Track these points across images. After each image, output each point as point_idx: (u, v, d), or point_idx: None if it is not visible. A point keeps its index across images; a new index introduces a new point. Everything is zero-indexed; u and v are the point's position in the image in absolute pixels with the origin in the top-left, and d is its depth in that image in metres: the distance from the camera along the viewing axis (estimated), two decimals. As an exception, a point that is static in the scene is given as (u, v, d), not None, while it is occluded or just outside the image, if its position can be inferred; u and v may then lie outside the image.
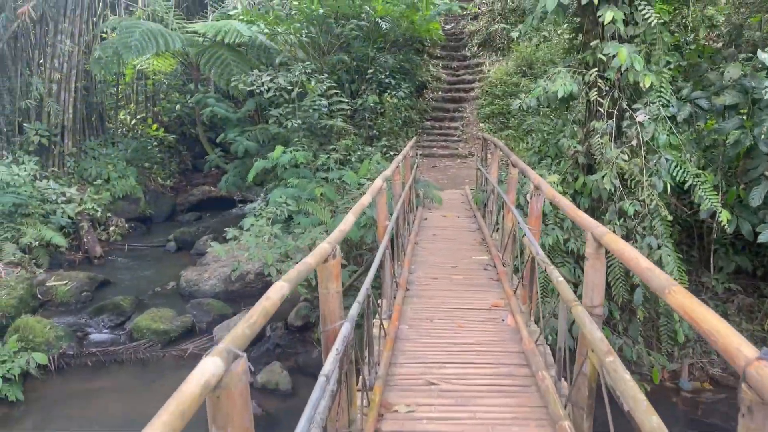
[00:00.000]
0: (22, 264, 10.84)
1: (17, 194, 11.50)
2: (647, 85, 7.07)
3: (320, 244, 2.81)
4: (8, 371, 7.56)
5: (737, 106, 7.47)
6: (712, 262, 8.38)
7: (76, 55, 14.05)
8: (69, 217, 12.35)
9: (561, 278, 3.46)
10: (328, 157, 10.41)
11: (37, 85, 13.29)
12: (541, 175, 8.17)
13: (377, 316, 4.68)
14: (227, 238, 8.81)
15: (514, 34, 15.38)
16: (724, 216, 6.88)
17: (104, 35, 15.65)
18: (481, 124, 14.74)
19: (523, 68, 14.99)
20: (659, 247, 7.24)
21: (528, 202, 8.17)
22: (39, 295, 10.22)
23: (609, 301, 7.99)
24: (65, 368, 8.27)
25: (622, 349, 7.76)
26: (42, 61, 14.02)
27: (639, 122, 7.44)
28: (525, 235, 4.61)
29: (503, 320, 4.75)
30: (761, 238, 7.45)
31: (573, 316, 2.97)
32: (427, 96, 16.41)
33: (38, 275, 10.68)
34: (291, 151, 10.17)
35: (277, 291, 2.06)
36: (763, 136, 6.62)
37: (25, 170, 12.42)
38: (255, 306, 1.89)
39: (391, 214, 5.41)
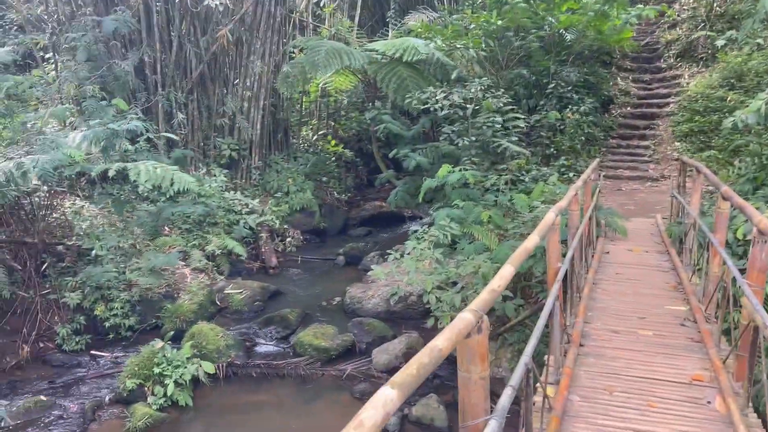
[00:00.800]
0: (206, 270, 11.34)
1: (206, 204, 12.11)
2: None
3: (460, 314, 2.07)
4: (180, 376, 7.72)
5: None
6: None
7: (266, 75, 14.66)
8: (250, 228, 12.80)
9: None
10: (498, 177, 9.54)
11: (230, 103, 14.03)
12: (757, 208, 6.64)
13: (540, 382, 3.80)
14: (389, 260, 8.36)
15: (720, 42, 13.34)
16: None
17: (292, 55, 16.24)
18: (677, 144, 12.88)
19: (732, 81, 12.85)
20: None
21: (739, 241, 6.68)
22: (217, 302, 10.56)
23: None
24: (232, 377, 8.31)
25: None
26: (237, 81, 14.82)
27: None
28: (744, 294, 3.45)
29: (709, 402, 3.60)
30: None
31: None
32: (613, 112, 14.80)
33: (218, 282, 11.09)
34: (460, 170, 9.47)
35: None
36: None
37: (216, 182, 13.13)
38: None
39: (565, 254, 4.47)
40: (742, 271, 4.56)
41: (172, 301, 10.02)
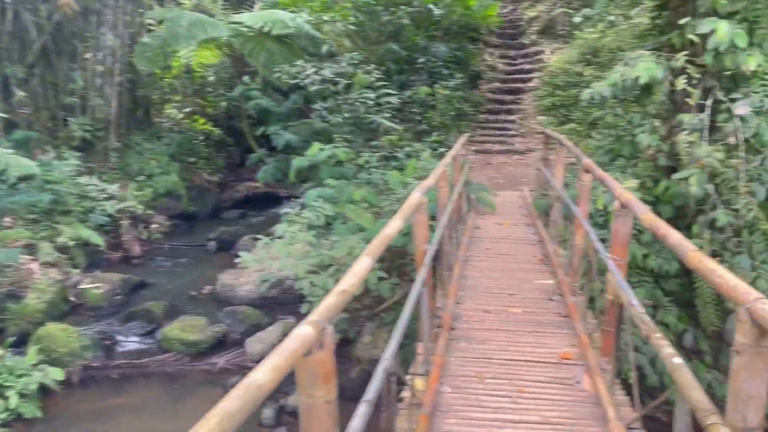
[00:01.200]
0: (58, 264, 10.17)
1: (54, 191, 10.83)
2: (752, 67, 5.60)
3: (298, 328, 1.67)
4: (26, 386, 6.79)
5: None
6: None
7: (120, 48, 13.33)
8: (108, 215, 11.64)
9: (679, 360, 2.22)
10: (371, 155, 9.24)
11: (77, 78, 12.62)
12: (615, 179, 6.82)
13: (410, 370, 3.53)
14: (258, 245, 7.83)
15: (577, 19, 13.82)
16: None
17: (151, 28, 14.94)
18: (541, 117, 13.26)
19: (588, 56, 13.38)
20: (754, 270, 5.80)
21: (600, 211, 6.83)
22: (71, 299, 9.50)
23: (695, 329, 6.60)
24: (89, 382, 7.48)
25: (711, 385, 6.37)
26: (87, 55, 13.37)
27: (738, 116, 5.97)
28: (608, 270, 3.35)
29: (578, 382, 3.50)
30: None
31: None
32: (482, 87, 14.99)
33: (72, 277, 9.98)
34: (331, 148, 9.06)
35: None
36: None
37: (67, 166, 11.79)
38: None
39: (434, 233, 4.22)
40: (604, 241, 4.56)
41: (16, 301, 8.86)
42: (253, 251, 8.67)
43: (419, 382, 3.36)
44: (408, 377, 3.49)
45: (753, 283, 5.66)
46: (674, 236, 2.51)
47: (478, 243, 6.83)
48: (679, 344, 6.59)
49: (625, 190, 3.59)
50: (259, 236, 8.24)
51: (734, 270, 5.81)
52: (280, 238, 7.76)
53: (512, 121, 13.98)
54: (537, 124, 13.20)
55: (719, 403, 6.06)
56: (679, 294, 6.67)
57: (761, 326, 1.70)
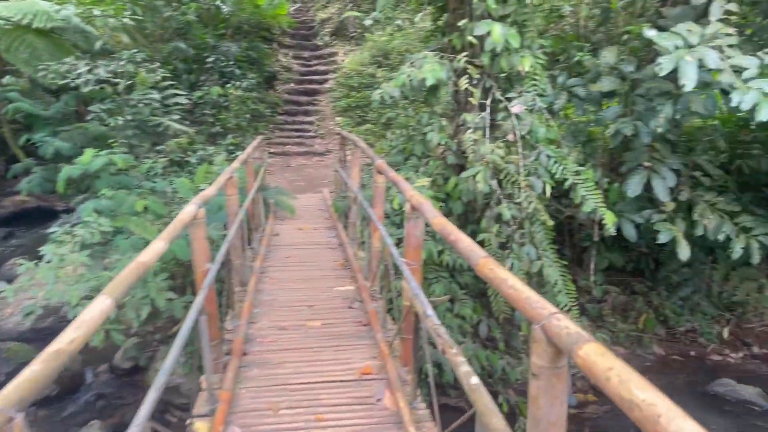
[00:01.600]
0: None
1: None
2: (527, 68, 5.89)
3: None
4: None
5: (615, 93, 6.56)
6: (592, 262, 7.51)
7: None
8: None
9: (476, 381, 2.01)
10: (154, 162, 8.33)
11: None
12: (407, 178, 6.76)
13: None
14: (20, 271, 6.58)
15: (367, 22, 14.02)
16: (609, 218, 5.87)
17: None
18: (338, 119, 13.20)
19: (379, 58, 13.62)
20: (539, 258, 6.16)
21: (396, 211, 6.79)
22: None
23: (489, 318, 6.86)
24: None
25: (504, 370, 6.66)
26: None
27: (515, 114, 6.28)
28: (404, 277, 3.13)
29: (379, 400, 3.24)
30: (627, 233, 6.67)
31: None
32: (278, 88, 14.55)
33: None
34: (106, 155, 7.97)
35: None
36: (655, 125, 5.66)
37: None
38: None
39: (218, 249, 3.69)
40: (402, 241, 4.40)
41: None
42: (16, 279, 7.33)
43: (201, 427, 2.84)
44: (189, 421, 2.95)
45: (539, 272, 5.99)
46: (465, 242, 2.32)
47: (277, 251, 6.39)
48: (475, 334, 6.81)
49: (415, 192, 3.40)
50: (22, 260, 6.96)
51: (522, 259, 6.10)
52: (49, 261, 6.59)
53: (310, 123, 13.75)
54: (335, 125, 13.11)
55: (515, 385, 6.25)
56: (473, 286, 6.90)
57: (556, 346, 1.50)
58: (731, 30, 4.82)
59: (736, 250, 5.95)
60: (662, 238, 6.34)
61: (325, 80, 14.76)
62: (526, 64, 5.80)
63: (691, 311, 7.79)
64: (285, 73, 14.89)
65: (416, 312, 2.92)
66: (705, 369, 7.23)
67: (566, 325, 1.48)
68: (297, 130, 13.62)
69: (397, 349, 3.74)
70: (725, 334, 7.67)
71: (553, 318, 1.53)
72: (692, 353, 7.56)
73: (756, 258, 5.89)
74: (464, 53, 6.25)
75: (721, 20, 4.94)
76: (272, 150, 12.15)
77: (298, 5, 16.03)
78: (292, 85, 14.81)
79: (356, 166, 6.48)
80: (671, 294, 7.90)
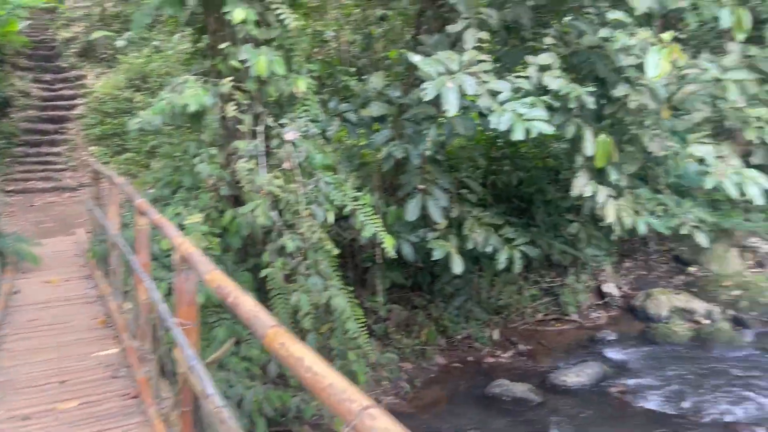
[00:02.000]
0: None
1: None
2: (304, 89, 5.65)
3: None
4: None
5: (385, 117, 6.65)
6: (378, 283, 7.52)
7: None
8: None
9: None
10: None
11: None
12: (177, 214, 6.07)
13: None
14: None
15: (121, 43, 12.72)
16: (388, 242, 5.89)
17: None
18: (92, 148, 11.71)
19: (136, 82, 12.43)
20: (326, 288, 5.95)
21: (167, 252, 6.03)
22: None
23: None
24: None
25: (299, 407, 6.29)
26: None
27: (289, 141, 5.99)
28: (179, 346, 2.60)
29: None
30: (405, 253, 6.84)
31: None
32: (14, 116, 12.46)
33: None
34: None
35: None
36: (423, 149, 5.79)
37: None
38: None
39: None
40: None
41: None
42: None
43: None
44: None
45: (327, 302, 5.74)
46: (247, 306, 1.90)
47: (18, 314, 5.23)
48: (264, 374, 6.33)
49: (184, 239, 2.88)
50: None
51: (309, 292, 5.79)
52: None
53: (58, 154, 12.01)
54: (89, 156, 11.60)
55: (311, 421, 5.86)
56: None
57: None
58: (485, 56, 5.11)
59: (501, 261, 6.38)
60: (436, 255, 6.57)
61: (74, 106, 13.06)
62: (301, 85, 5.56)
63: (466, 318, 8.25)
64: (22, 98, 12.83)
65: (193, 391, 2.41)
66: (482, 372, 7.67)
67: (385, 427, 1.16)
68: (42, 163, 11.81)
69: (175, 423, 3.15)
70: (495, 335, 8.26)
71: (366, 415, 1.21)
72: (470, 358, 7.99)
73: (518, 267, 6.37)
74: (230, 78, 5.80)
75: (475, 48, 5.22)
76: (10, 188, 10.32)
77: (30, 22, 13.92)
78: (32, 111, 12.81)
79: (114, 205, 5.62)
80: (447, 305, 8.27)
